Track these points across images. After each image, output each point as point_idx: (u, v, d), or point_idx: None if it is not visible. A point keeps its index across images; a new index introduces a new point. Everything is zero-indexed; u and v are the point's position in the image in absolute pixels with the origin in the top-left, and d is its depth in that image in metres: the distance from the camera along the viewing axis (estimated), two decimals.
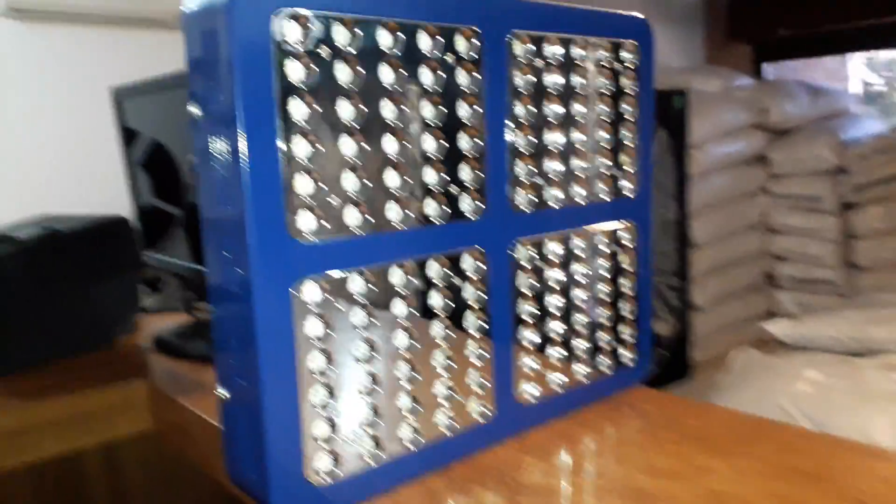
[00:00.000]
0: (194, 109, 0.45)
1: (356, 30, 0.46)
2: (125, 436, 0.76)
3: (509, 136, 0.55)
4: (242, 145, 0.42)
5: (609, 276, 0.65)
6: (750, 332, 3.20)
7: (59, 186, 1.73)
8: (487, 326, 0.55)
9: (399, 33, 0.48)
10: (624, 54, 0.63)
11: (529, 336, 0.59)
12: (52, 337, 0.83)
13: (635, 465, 0.54)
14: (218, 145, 0.43)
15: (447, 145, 0.52)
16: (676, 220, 3.19)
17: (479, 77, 0.53)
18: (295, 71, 0.44)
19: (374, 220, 0.48)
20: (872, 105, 4.90)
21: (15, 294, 0.79)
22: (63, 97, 1.87)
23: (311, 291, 0.45)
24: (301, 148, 0.44)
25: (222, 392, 0.48)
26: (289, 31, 0.43)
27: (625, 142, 0.65)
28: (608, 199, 0.64)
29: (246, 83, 0.41)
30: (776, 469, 0.52)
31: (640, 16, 0.65)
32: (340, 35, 0.45)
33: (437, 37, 0.50)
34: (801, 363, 2.13)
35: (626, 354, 0.67)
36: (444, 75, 0.51)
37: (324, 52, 0.45)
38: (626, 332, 0.67)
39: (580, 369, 0.63)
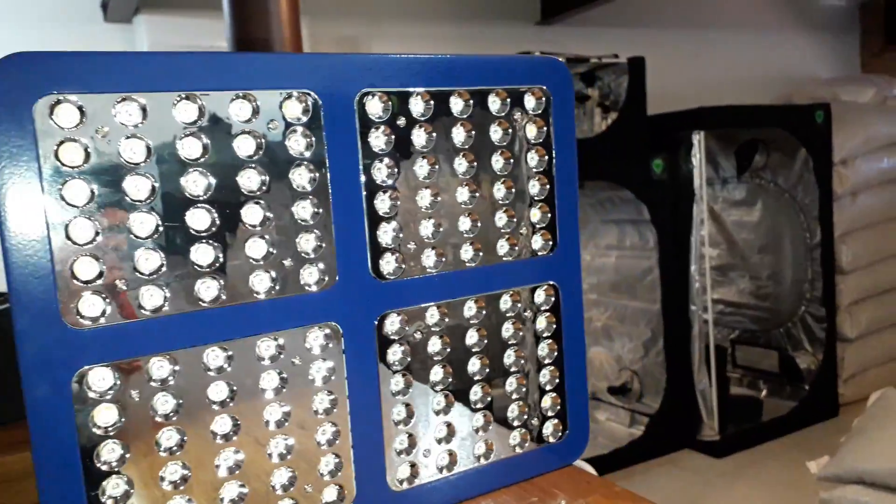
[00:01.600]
0: None
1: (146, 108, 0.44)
2: None
3: (367, 202, 0.51)
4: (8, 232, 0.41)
5: (519, 344, 0.59)
6: None
7: None
8: (344, 409, 0.51)
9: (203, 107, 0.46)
10: (530, 101, 0.57)
11: (407, 418, 0.54)
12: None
13: None
14: None
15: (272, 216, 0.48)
16: (821, 244, 2.90)
17: (320, 141, 0.49)
18: (68, 151, 0.42)
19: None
20: None
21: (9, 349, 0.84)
22: None
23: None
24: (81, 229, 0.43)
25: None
26: (61, 114, 0.42)
27: (535, 197, 0.58)
28: (513, 259, 0.58)
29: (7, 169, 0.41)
30: None
31: (559, 59, 0.58)
32: (128, 114, 0.44)
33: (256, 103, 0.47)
34: None
35: (550, 429, 0.60)
36: (266, 145, 0.48)
37: (104, 131, 0.43)
38: (546, 404, 0.60)
39: (482, 448, 0.57)
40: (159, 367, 0.45)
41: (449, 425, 0.56)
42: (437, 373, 0.55)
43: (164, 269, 0.45)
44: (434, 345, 0.55)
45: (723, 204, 3.21)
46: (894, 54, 3.51)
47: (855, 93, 3.12)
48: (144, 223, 0.45)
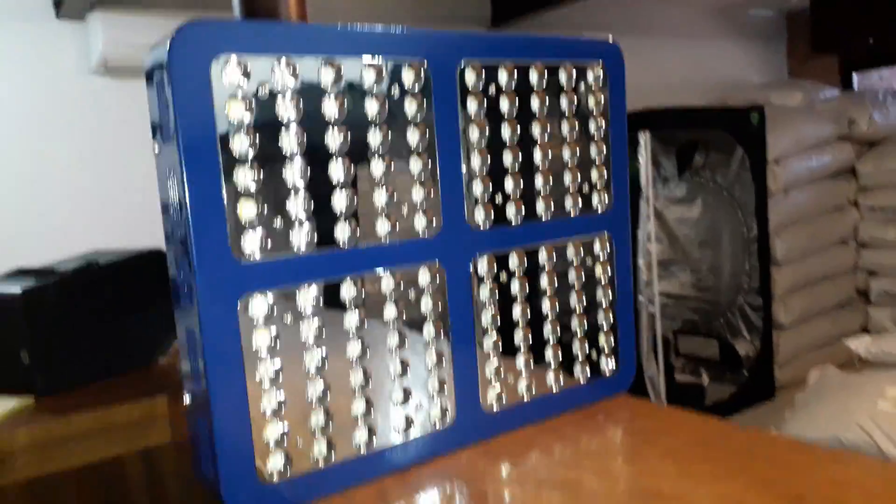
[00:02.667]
0: (154, 148, 0.51)
1: (296, 67, 0.51)
2: (145, 447, 0.83)
3: (464, 159, 0.59)
4: (185, 176, 0.47)
5: (581, 287, 0.67)
6: (841, 351, 3.06)
7: (128, 231, 1.87)
8: (447, 336, 0.59)
9: (341, 69, 0.53)
10: (590, 75, 0.66)
11: (495, 346, 0.62)
12: (89, 359, 0.91)
13: (589, 468, 0.55)
14: (169, 177, 0.49)
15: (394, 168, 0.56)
16: (757, 238, 3.10)
17: (427, 107, 0.57)
18: (236, 110, 0.49)
19: (318, 239, 0.52)
20: None
21: (55, 321, 0.88)
22: (144, 146, 2.03)
23: (257, 306, 0.50)
24: (245, 177, 0.49)
25: (186, 398, 0.53)
26: (228, 73, 0.48)
27: (595, 159, 0.67)
28: (577, 214, 0.66)
29: (186, 123, 0.47)
30: (726, 472, 0.53)
31: (610, 40, 0.67)
32: (282, 73, 0.50)
33: (382, 72, 0.54)
34: (883, 381, 2.03)
35: (605, 364, 0.69)
36: (389, 107, 0.55)
37: (263, 93, 0.50)
38: (603, 341, 0.69)
39: (552, 377, 0.65)
40: (304, 296, 0.52)
41: (529, 356, 0.64)
42: (517, 311, 0.63)
43: (308, 212, 0.52)
44: (514, 286, 0.63)
45: (665, 202, 3.38)
46: (819, 61, 3.76)
47: (785, 97, 3.34)
48: (295, 172, 0.51)
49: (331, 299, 0.54)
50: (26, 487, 0.81)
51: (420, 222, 0.57)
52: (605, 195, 0.68)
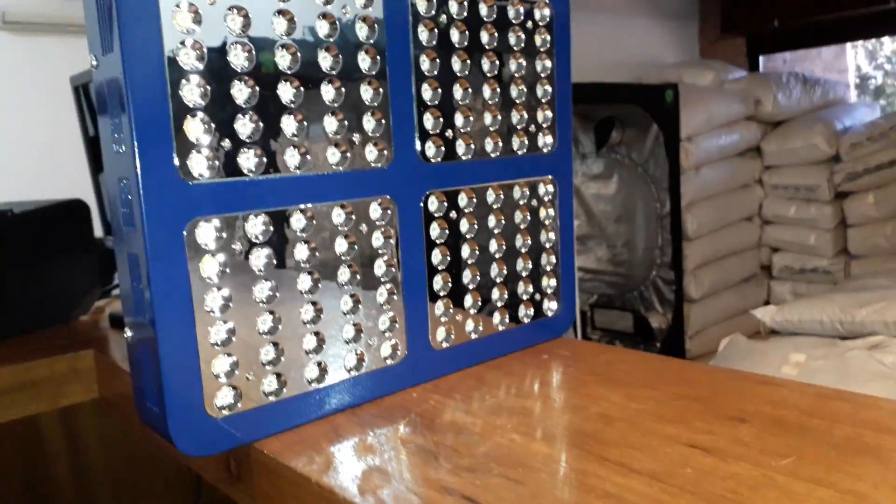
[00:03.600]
0: (92, 60, 0.47)
1: None
2: (79, 403, 0.79)
3: (415, 89, 0.58)
4: (126, 86, 0.44)
5: (527, 229, 0.67)
6: (748, 323, 3.21)
7: (36, 185, 1.77)
8: (397, 274, 0.57)
9: None
10: (537, 13, 0.66)
11: (445, 285, 0.61)
12: (6, 314, 0.86)
13: (537, 398, 0.56)
14: (110, 90, 0.46)
15: (345, 94, 0.54)
16: (670, 213, 3.21)
17: (379, 31, 0.55)
18: (182, 18, 0.46)
19: (268, 163, 0.50)
20: (869, 95, 4.90)
21: None
22: (47, 100, 1.92)
23: (205, 232, 0.48)
24: (190, 91, 0.46)
25: (127, 332, 0.50)
26: None
27: (542, 99, 0.67)
28: (524, 154, 0.66)
29: (129, 28, 0.44)
30: (669, 396, 0.54)
31: None
32: None
33: None
34: (787, 347, 2.14)
35: (548, 306, 0.69)
36: (339, 27, 0.53)
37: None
38: (546, 283, 0.69)
39: (498, 318, 0.65)
40: (253, 224, 0.50)
41: (477, 296, 0.63)
42: (466, 250, 0.63)
43: (258, 134, 0.49)
44: (464, 225, 0.62)
45: (582, 178, 3.45)
46: (728, 42, 3.90)
47: (696, 76, 3.45)
48: (243, 91, 0.49)
49: (279, 232, 0.51)
50: None
51: (371, 153, 0.56)
52: (551, 136, 0.68)
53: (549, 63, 0.67)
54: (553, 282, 0.70)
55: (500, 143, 0.64)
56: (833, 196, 3.28)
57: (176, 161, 0.46)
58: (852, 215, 3.25)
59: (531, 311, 0.68)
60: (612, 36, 3.59)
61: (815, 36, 3.80)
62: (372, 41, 0.55)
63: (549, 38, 0.66)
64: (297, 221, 0.52)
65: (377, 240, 0.57)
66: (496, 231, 0.64)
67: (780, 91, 3.38)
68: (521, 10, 0.64)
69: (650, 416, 0.51)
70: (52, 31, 2.01)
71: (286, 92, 0.51)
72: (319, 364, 0.54)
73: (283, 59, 0.50)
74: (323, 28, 0.52)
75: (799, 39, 3.86)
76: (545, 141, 0.67)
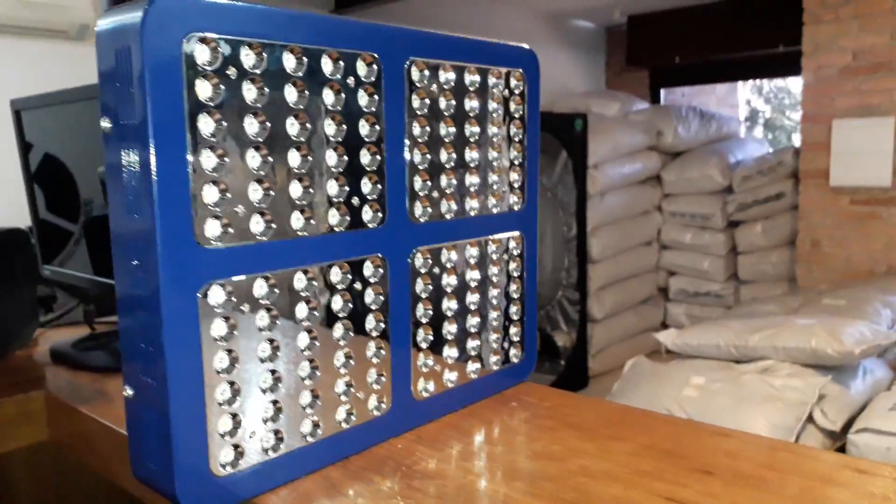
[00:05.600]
0: (105, 123, 0.48)
1: (262, 53, 0.50)
2: (21, 447, 0.76)
3: (407, 154, 0.60)
4: (152, 157, 0.45)
5: (498, 281, 0.71)
6: (645, 342, 3.37)
7: None
8: (385, 328, 0.60)
9: (303, 57, 0.52)
10: (513, 81, 0.70)
11: (425, 337, 0.64)
12: None
13: (518, 450, 0.59)
14: (128, 158, 0.46)
15: (348, 160, 0.56)
16: (576, 237, 3.33)
17: (378, 99, 0.58)
18: (204, 89, 0.47)
19: (276, 228, 0.52)
20: (759, 129, 5.25)
21: None
22: None
23: (216, 295, 0.49)
24: (208, 160, 0.48)
25: (128, 391, 0.50)
26: (198, 53, 0.46)
27: (514, 161, 0.71)
28: (498, 212, 0.70)
29: (157, 99, 0.45)
30: (639, 448, 0.59)
31: (527, 46, 0.71)
32: (248, 57, 0.49)
33: (339, 61, 0.55)
34: (687, 370, 2.27)
35: (514, 353, 0.73)
36: (345, 96, 0.55)
37: (232, 72, 0.48)
38: (513, 332, 0.73)
39: (472, 367, 0.68)
40: (260, 285, 0.51)
41: (455, 346, 0.67)
42: (446, 303, 0.66)
43: (267, 200, 0.51)
44: (445, 279, 0.65)
45: None
46: (632, 74, 4.10)
47: (603, 106, 3.61)
48: (255, 158, 0.50)
49: (282, 292, 0.53)
50: None
51: (367, 214, 0.58)
52: (520, 196, 0.72)
53: (520, 129, 0.71)
54: (518, 330, 0.74)
55: (478, 203, 0.67)
56: (726, 224, 3.50)
57: (193, 227, 0.47)
58: (742, 243, 3.48)
59: (500, 359, 0.72)
60: None
61: (711, 73, 4.06)
62: (373, 109, 0.57)
63: (522, 106, 0.71)
64: (299, 281, 0.54)
65: (369, 296, 0.59)
66: (473, 284, 0.68)
67: (680, 124, 3.59)
68: (500, 80, 0.68)
69: (628, 469, 0.55)
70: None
71: (294, 158, 0.53)
72: (313, 419, 0.56)
73: (292, 128, 0.52)
74: (329, 97, 0.55)
75: (697, 75, 4.10)
76: (515, 199, 0.71)
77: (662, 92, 4.19)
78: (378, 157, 0.58)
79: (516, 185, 0.71)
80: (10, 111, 0.99)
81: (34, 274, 0.94)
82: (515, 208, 0.72)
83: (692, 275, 3.64)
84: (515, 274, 0.73)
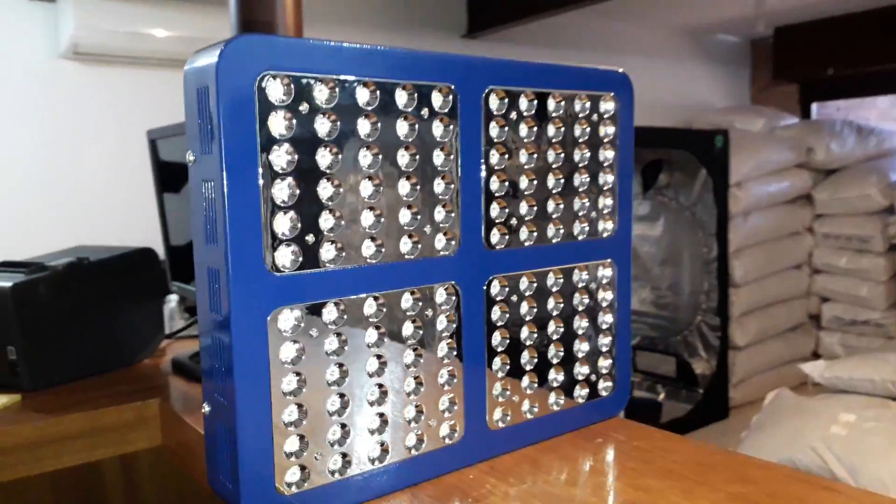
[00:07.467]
0: (190, 156, 0.51)
1: (335, 88, 0.51)
2: (140, 450, 0.83)
3: (483, 182, 0.60)
4: (225, 189, 0.47)
5: (584, 311, 0.69)
6: (795, 373, 3.15)
7: (100, 221, 1.84)
8: (458, 354, 0.60)
9: (377, 91, 0.54)
10: (602, 105, 0.68)
11: (502, 366, 0.63)
12: (78, 356, 0.90)
13: (594, 492, 0.57)
14: (207, 189, 0.49)
15: (420, 188, 0.57)
16: (717, 258, 3.18)
17: (453, 128, 0.58)
18: (277, 124, 0.49)
19: (347, 255, 0.53)
20: None
21: (45, 317, 0.87)
22: (113, 134, 2.01)
23: (286, 320, 0.51)
24: (280, 192, 0.50)
25: (206, 407, 0.53)
26: (272, 90, 0.49)
27: (604, 186, 0.69)
28: (585, 238, 0.68)
29: (230, 135, 0.47)
30: (726, 497, 0.55)
31: (620, 70, 0.69)
32: (321, 93, 0.51)
33: (414, 93, 0.56)
34: (836, 406, 2.10)
35: (604, 386, 0.71)
36: (418, 128, 0.56)
37: (304, 107, 0.50)
38: (603, 364, 0.71)
39: (553, 399, 0.67)
40: (329, 311, 0.53)
41: (535, 377, 0.65)
42: (525, 332, 0.65)
43: (339, 228, 0.52)
44: (524, 308, 0.65)
45: None
46: (779, 89, 3.87)
47: (747, 122, 3.43)
48: (328, 189, 0.52)
49: (352, 318, 0.54)
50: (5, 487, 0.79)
51: (440, 242, 0.59)
52: (611, 222, 0.70)
53: (611, 153, 0.69)
54: (608, 362, 0.71)
55: (562, 229, 0.66)
56: (887, 248, 3.22)
57: (263, 254, 0.49)
58: None
59: (586, 392, 0.70)
60: (664, 80, 3.60)
61: (870, 85, 3.76)
62: (447, 139, 0.58)
63: (613, 129, 0.69)
64: (369, 307, 0.55)
65: (441, 323, 0.59)
66: (554, 313, 0.67)
67: (833, 140, 3.35)
68: (588, 104, 0.67)
69: None
70: (120, 63, 2.09)
71: (366, 188, 0.54)
72: (381, 444, 0.56)
73: (364, 159, 0.54)
74: (402, 128, 0.56)
75: (853, 88, 3.81)
76: (605, 226, 0.69)
77: (814, 106, 3.93)
78: (452, 186, 0.58)
79: (606, 212, 0.69)
80: (147, 140, 1.08)
81: (160, 290, 1.01)
82: (605, 235, 0.70)
83: (848, 301, 3.37)
84: (605, 303, 0.70)
